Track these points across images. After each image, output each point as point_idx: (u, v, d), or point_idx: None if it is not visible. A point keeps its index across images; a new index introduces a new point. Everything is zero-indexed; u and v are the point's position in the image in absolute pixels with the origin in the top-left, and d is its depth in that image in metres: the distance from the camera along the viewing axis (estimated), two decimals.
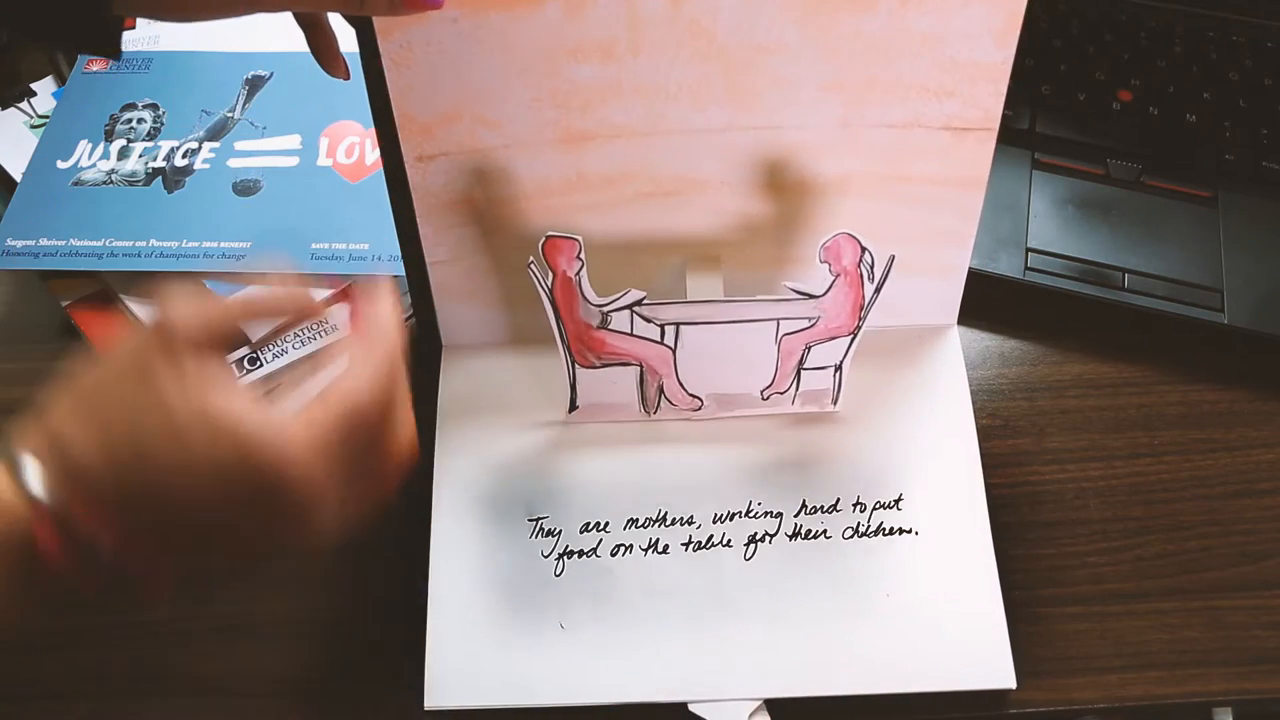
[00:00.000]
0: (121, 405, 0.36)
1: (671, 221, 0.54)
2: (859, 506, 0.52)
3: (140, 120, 0.65)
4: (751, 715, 0.48)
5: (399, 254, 0.55)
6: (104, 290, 0.60)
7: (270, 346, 0.56)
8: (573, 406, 0.54)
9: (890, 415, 0.55)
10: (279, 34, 0.67)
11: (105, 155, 0.63)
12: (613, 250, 0.54)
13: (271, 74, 0.66)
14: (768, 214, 0.54)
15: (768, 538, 0.52)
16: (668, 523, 0.52)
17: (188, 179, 0.62)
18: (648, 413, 0.55)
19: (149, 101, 0.66)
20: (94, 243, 0.59)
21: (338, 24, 0.51)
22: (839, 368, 0.53)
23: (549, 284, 0.50)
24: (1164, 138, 0.65)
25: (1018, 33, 0.48)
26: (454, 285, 0.55)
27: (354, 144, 0.63)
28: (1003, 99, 0.50)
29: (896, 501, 0.52)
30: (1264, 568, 0.53)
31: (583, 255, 0.49)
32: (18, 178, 0.64)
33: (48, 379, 0.61)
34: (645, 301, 0.51)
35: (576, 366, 0.53)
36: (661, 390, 0.54)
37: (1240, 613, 0.52)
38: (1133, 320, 0.59)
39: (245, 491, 0.35)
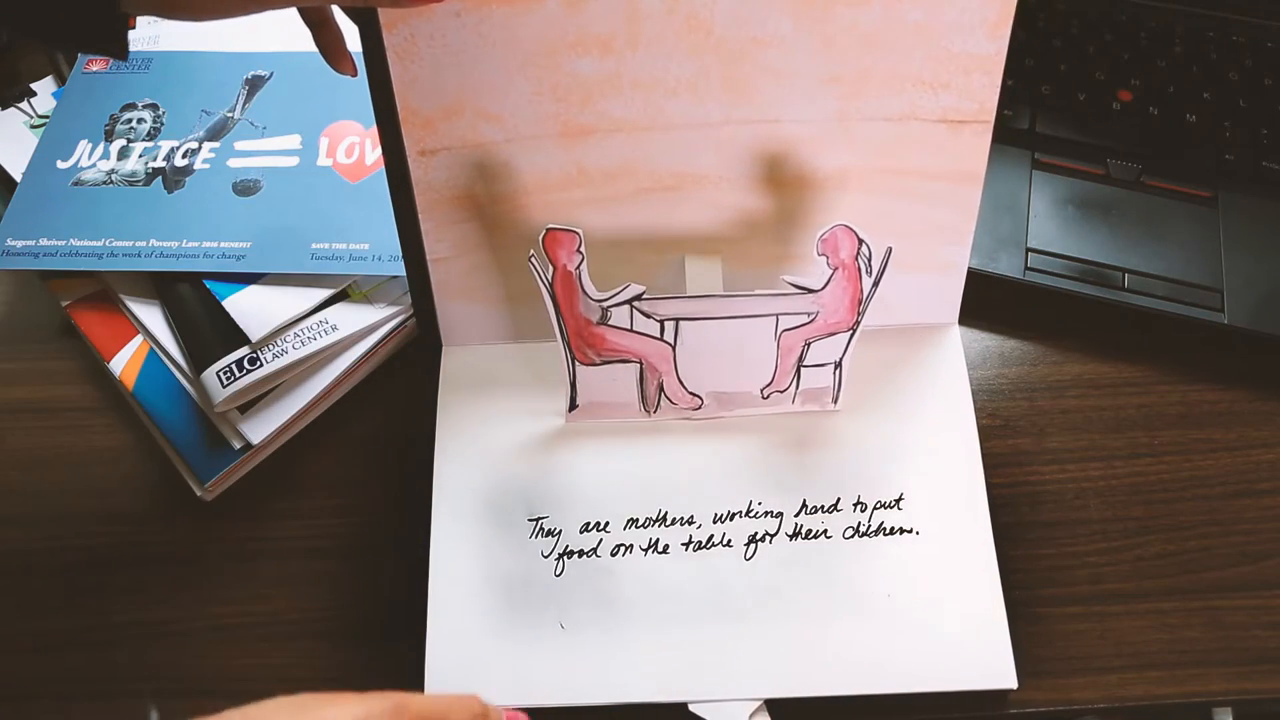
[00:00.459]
0: None
1: (671, 217, 0.54)
2: (859, 506, 0.52)
3: (140, 120, 0.65)
4: (752, 716, 0.48)
5: (399, 253, 0.55)
6: (104, 290, 0.60)
7: (270, 346, 0.56)
8: (572, 405, 0.54)
9: (891, 414, 0.55)
10: (279, 34, 0.67)
11: (105, 155, 0.63)
12: (613, 246, 0.54)
13: (271, 74, 0.66)
14: (766, 209, 0.54)
15: (768, 537, 0.52)
16: (668, 523, 0.52)
17: (188, 179, 0.62)
18: (648, 411, 0.55)
19: (149, 101, 0.66)
20: (94, 243, 0.59)
21: (342, 22, 0.51)
22: (839, 365, 0.53)
23: (549, 278, 0.50)
24: (1164, 138, 0.65)
25: (1010, 24, 0.48)
26: (455, 283, 0.55)
27: (354, 144, 0.63)
28: (998, 91, 0.50)
29: (897, 501, 0.52)
30: (1264, 568, 0.53)
31: (583, 249, 0.49)
32: (18, 178, 0.64)
33: (48, 379, 0.61)
34: (645, 296, 0.51)
35: (576, 364, 0.53)
36: (661, 388, 0.54)
37: (1240, 613, 0.52)
38: (1133, 320, 0.59)
39: None
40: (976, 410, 0.55)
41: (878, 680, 0.48)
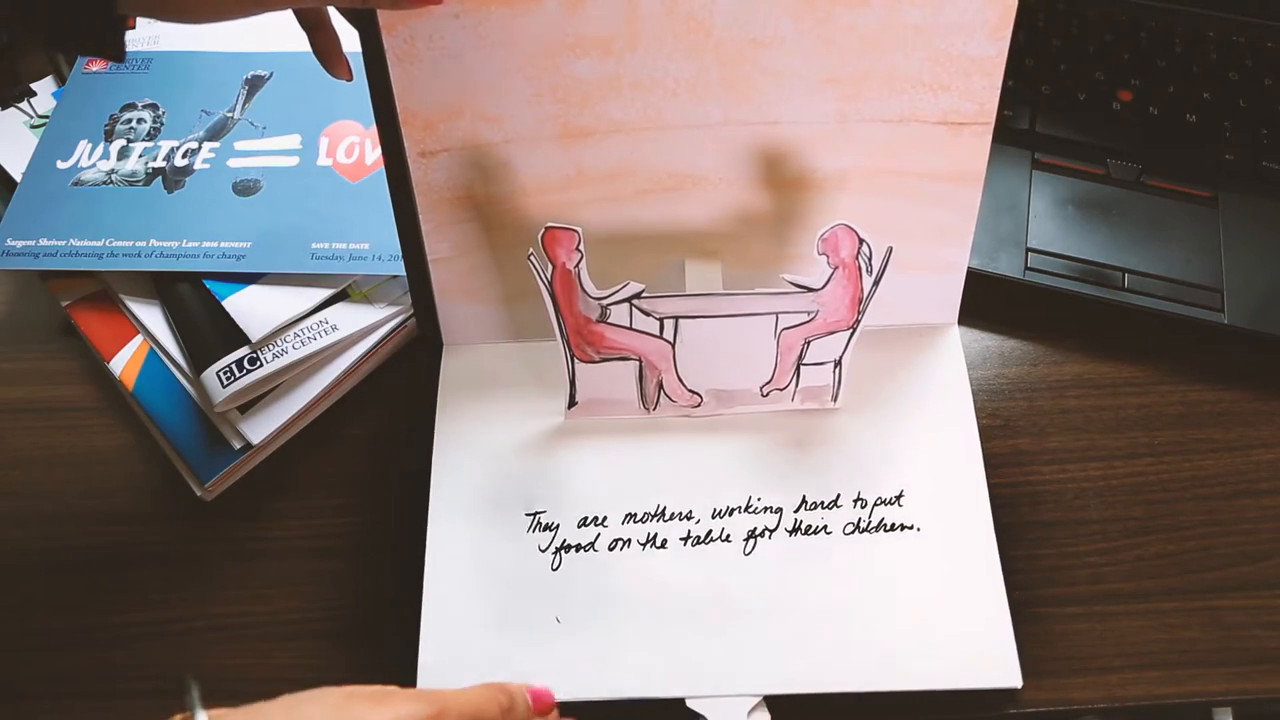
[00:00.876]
0: None
1: (670, 218, 0.54)
2: (860, 502, 0.52)
3: (140, 120, 0.65)
4: (750, 712, 0.47)
5: (399, 253, 0.55)
6: (104, 290, 0.60)
7: (270, 346, 0.56)
8: (572, 402, 0.54)
9: (891, 412, 0.55)
10: (278, 34, 0.67)
11: (105, 155, 0.63)
12: (612, 247, 0.54)
13: (271, 74, 0.66)
14: (766, 210, 0.54)
15: (767, 533, 0.52)
16: (666, 517, 0.52)
17: (188, 179, 0.62)
18: (647, 409, 0.55)
19: (149, 101, 0.66)
20: (94, 243, 0.59)
21: (339, 25, 0.51)
22: (838, 363, 0.53)
23: (548, 276, 0.50)
24: (1164, 138, 0.65)
25: (1010, 26, 0.48)
26: (454, 283, 0.55)
27: (354, 144, 0.63)
28: (998, 93, 0.50)
29: (898, 498, 0.52)
30: (1264, 568, 0.53)
31: (582, 247, 0.49)
32: (18, 178, 0.64)
33: (48, 379, 0.61)
34: (644, 294, 0.51)
35: (576, 361, 0.53)
36: (661, 386, 0.54)
37: (1240, 613, 0.52)
38: (1133, 320, 0.59)
39: None
40: (976, 410, 0.55)
41: (879, 677, 0.48)
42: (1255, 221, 0.61)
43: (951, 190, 0.53)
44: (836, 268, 0.50)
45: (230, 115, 0.65)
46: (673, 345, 0.53)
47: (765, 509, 0.52)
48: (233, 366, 0.55)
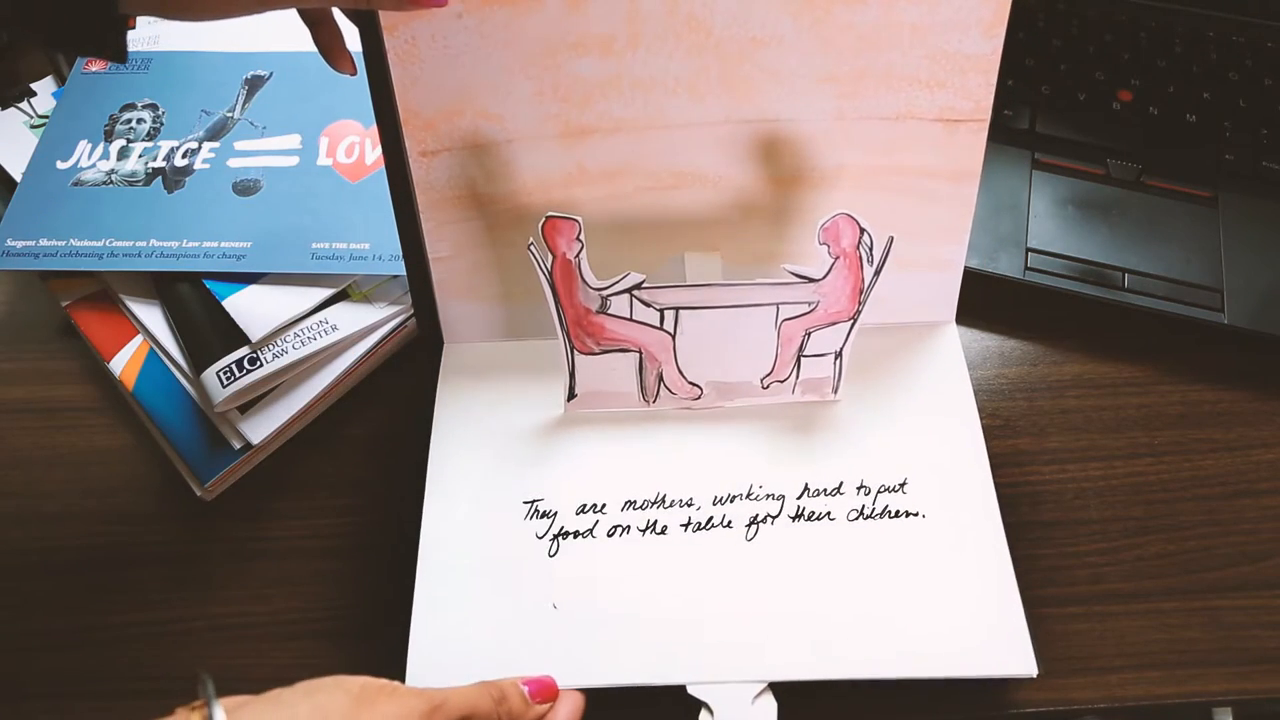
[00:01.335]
0: None
1: (671, 216, 0.54)
2: (863, 489, 0.52)
3: (140, 120, 0.65)
4: (755, 699, 0.47)
5: (399, 253, 0.55)
6: (104, 290, 0.60)
7: (270, 346, 0.56)
8: (571, 395, 0.54)
9: (892, 402, 0.55)
10: (278, 34, 0.67)
11: (105, 155, 0.63)
12: (613, 245, 0.54)
13: (271, 74, 0.66)
14: (765, 207, 0.54)
15: (770, 519, 0.51)
16: (666, 504, 0.52)
17: (188, 179, 0.62)
18: (647, 402, 0.55)
19: (149, 101, 0.66)
20: (94, 243, 0.59)
21: (341, 20, 0.51)
22: (839, 355, 0.53)
23: (548, 266, 0.50)
24: (1164, 138, 0.65)
25: (1005, 23, 0.49)
26: (455, 282, 0.55)
27: (354, 143, 0.63)
28: (993, 90, 0.51)
29: (901, 485, 0.52)
30: (1264, 568, 0.53)
31: (582, 237, 0.50)
32: (18, 178, 0.64)
33: (48, 379, 0.61)
34: (645, 285, 0.51)
35: (575, 353, 0.53)
36: (661, 378, 0.54)
37: (1240, 613, 0.52)
38: (1133, 320, 0.60)
39: None
40: (976, 407, 0.55)
41: (888, 665, 0.47)
42: (1255, 221, 0.61)
43: (948, 187, 0.53)
44: (837, 258, 0.50)
45: (230, 115, 0.65)
46: (673, 336, 0.53)
47: (767, 496, 0.52)
48: (233, 366, 0.55)
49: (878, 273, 0.51)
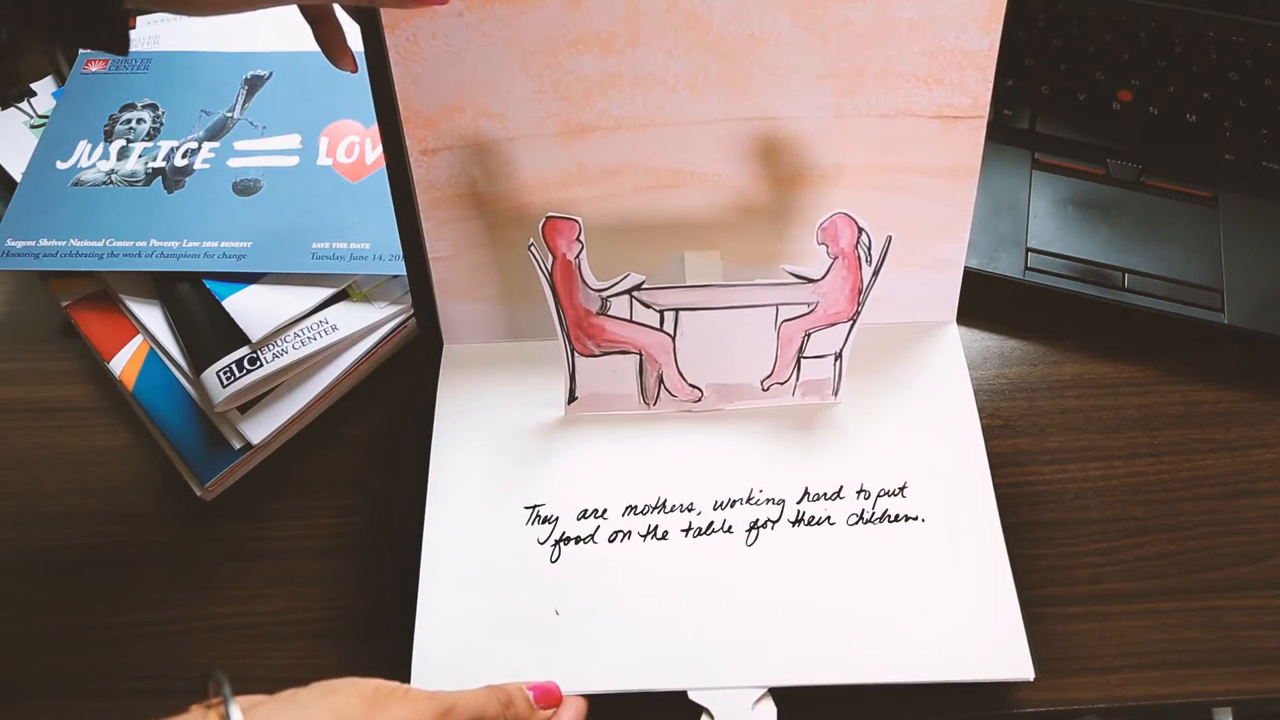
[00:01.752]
0: None
1: (670, 214, 0.54)
2: (863, 494, 0.52)
3: (140, 120, 0.65)
4: (755, 704, 0.47)
5: (399, 253, 0.55)
6: (104, 290, 0.60)
7: (270, 346, 0.56)
8: (571, 397, 0.54)
9: (892, 405, 0.55)
10: (278, 34, 0.67)
11: (105, 155, 0.63)
12: (613, 244, 0.54)
13: (271, 74, 0.66)
14: (765, 205, 0.54)
15: (770, 524, 0.51)
16: (667, 509, 0.52)
17: (188, 179, 0.62)
18: (647, 404, 0.55)
19: (148, 101, 0.66)
20: (94, 243, 0.59)
21: (342, 18, 0.51)
22: (839, 356, 0.53)
23: (549, 267, 0.50)
24: (1164, 138, 0.65)
25: (1001, 20, 0.49)
26: (455, 281, 0.55)
27: (354, 143, 0.63)
28: (991, 86, 0.51)
29: (901, 489, 0.52)
30: (1264, 568, 0.53)
31: (582, 237, 0.50)
32: (18, 178, 0.64)
33: (48, 379, 0.61)
34: (645, 286, 0.51)
35: (576, 355, 0.53)
36: (661, 380, 0.54)
37: (1240, 613, 0.52)
38: (1133, 320, 0.60)
39: None
40: (976, 409, 0.55)
41: (887, 669, 0.47)
42: (1255, 221, 0.61)
43: (947, 185, 0.53)
44: (836, 258, 0.50)
45: (230, 115, 0.65)
46: (673, 338, 0.53)
47: (767, 500, 0.52)
48: (233, 366, 0.55)
49: (876, 273, 0.51)
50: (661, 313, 0.52)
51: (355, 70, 0.51)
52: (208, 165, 0.62)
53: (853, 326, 0.52)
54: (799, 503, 0.52)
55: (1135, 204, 0.62)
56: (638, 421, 0.55)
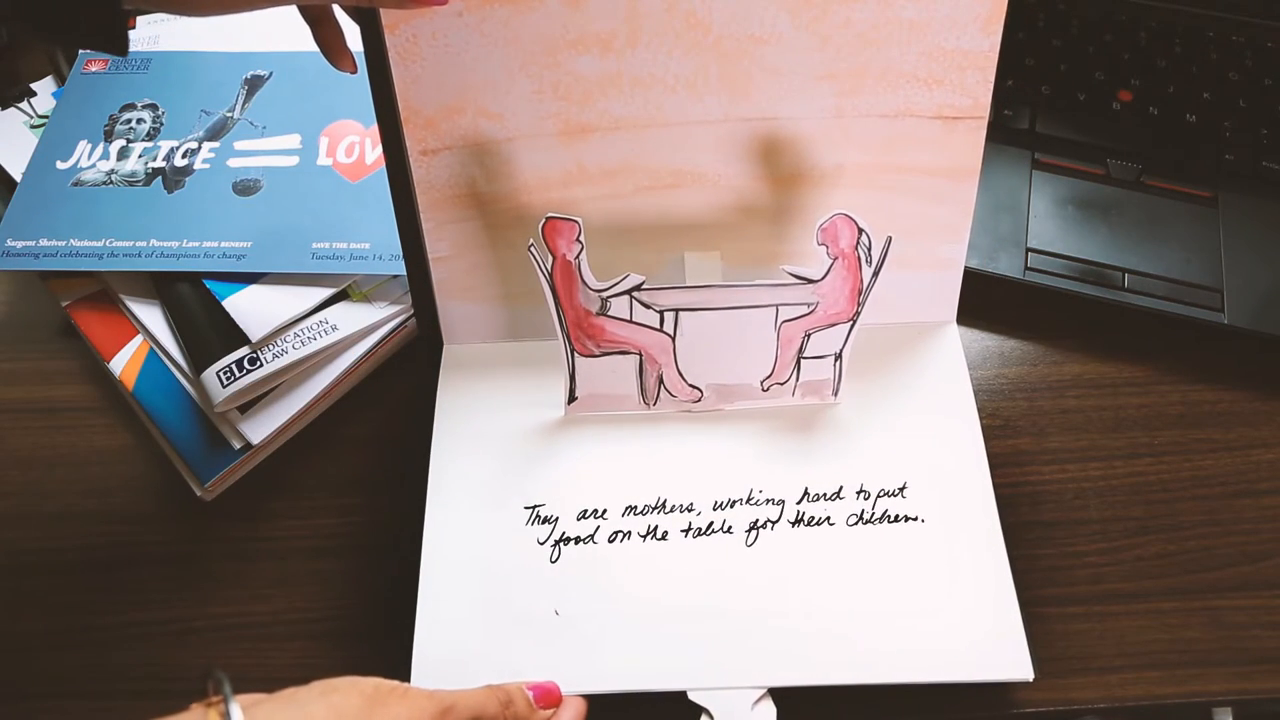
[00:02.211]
0: None
1: (670, 214, 0.54)
2: (863, 494, 0.52)
3: (140, 120, 0.65)
4: (755, 704, 0.47)
5: (399, 253, 0.55)
6: (104, 290, 0.60)
7: (270, 346, 0.56)
8: (571, 397, 0.54)
9: (892, 405, 0.55)
10: (278, 34, 0.67)
11: (105, 155, 0.63)
12: (613, 244, 0.54)
13: (271, 74, 0.66)
14: (765, 206, 0.54)
15: (770, 525, 0.51)
16: (667, 510, 0.52)
17: (188, 179, 0.62)
18: (647, 404, 0.55)
19: (148, 102, 0.66)
20: (94, 243, 0.59)
21: (342, 19, 0.51)
22: (839, 356, 0.53)
23: (549, 267, 0.50)
24: (1164, 138, 0.65)
25: (1002, 20, 0.49)
26: (455, 282, 0.55)
27: (354, 143, 0.63)
28: (991, 87, 0.51)
29: (901, 489, 0.52)
30: (1264, 568, 0.53)
31: (582, 238, 0.50)
32: (18, 178, 0.64)
33: (48, 379, 0.61)
34: (645, 286, 0.51)
35: (576, 355, 0.53)
36: (661, 381, 0.54)
37: (1240, 613, 0.52)
38: (1133, 320, 0.60)
39: None
40: (976, 410, 0.55)
41: (886, 670, 0.47)
42: (1255, 221, 0.61)
43: (948, 185, 0.53)
44: (836, 258, 0.50)
45: (230, 115, 0.65)
46: (673, 338, 0.53)
47: (767, 501, 0.52)
48: (233, 366, 0.55)
49: (876, 273, 0.51)
50: (661, 313, 0.52)
51: (354, 71, 0.51)
52: (208, 165, 0.62)
53: (853, 327, 0.52)
54: (799, 503, 0.52)
55: (1135, 204, 0.62)
56: (638, 422, 0.55)
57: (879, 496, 0.52)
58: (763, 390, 0.54)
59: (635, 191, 0.53)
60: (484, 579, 0.50)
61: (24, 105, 0.69)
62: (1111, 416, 0.58)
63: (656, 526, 0.51)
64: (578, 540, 0.51)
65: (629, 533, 0.51)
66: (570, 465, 0.53)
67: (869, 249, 0.50)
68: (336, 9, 0.50)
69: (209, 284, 0.58)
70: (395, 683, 0.38)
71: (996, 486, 0.52)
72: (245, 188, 0.61)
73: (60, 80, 0.69)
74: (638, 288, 0.51)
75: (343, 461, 0.58)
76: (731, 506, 0.52)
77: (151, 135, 0.64)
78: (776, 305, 0.52)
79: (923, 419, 0.54)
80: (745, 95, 0.51)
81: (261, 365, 0.55)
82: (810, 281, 0.51)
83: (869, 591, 0.49)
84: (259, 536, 0.55)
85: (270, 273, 0.58)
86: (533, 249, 0.50)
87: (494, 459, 0.53)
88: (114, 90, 0.66)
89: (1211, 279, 0.59)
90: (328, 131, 0.64)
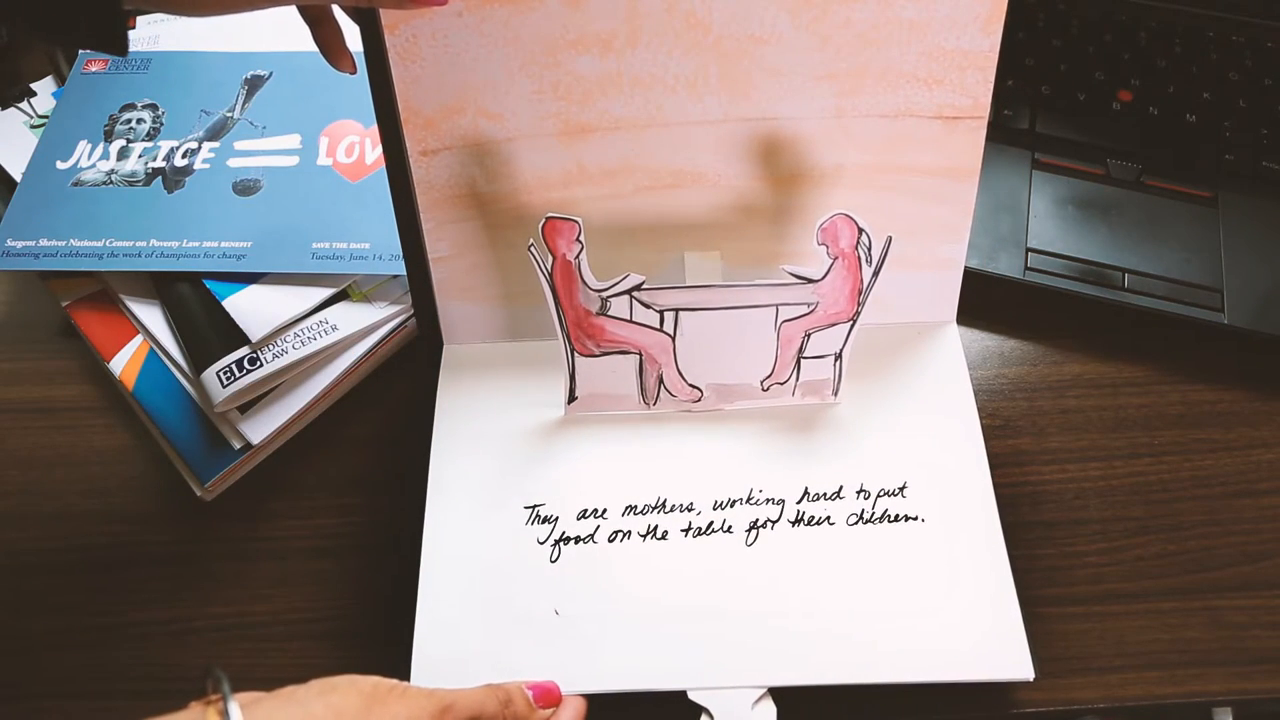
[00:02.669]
0: None
1: (670, 214, 0.54)
2: (863, 494, 0.52)
3: (140, 120, 0.65)
4: (755, 704, 0.47)
5: (399, 253, 0.55)
6: (104, 290, 0.60)
7: (270, 346, 0.56)
8: (571, 397, 0.54)
9: (892, 405, 0.55)
10: (278, 34, 0.67)
11: (105, 155, 0.63)
12: (613, 244, 0.54)
13: (271, 74, 0.66)
14: (765, 206, 0.54)
15: (770, 524, 0.51)
16: (667, 509, 0.52)
17: (188, 179, 0.62)
18: (647, 404, 0.55)
19: (148, 102, 0.66)
20: (94, 243, 0.59)
21: (341, 19, 0.51)
22: (839, 356, 0.53)
23: (548, 267, 0.50)
24: (1164, 138, 0.65)
25: (1002, 20, 0.49)
26: (455, 282, 0.55)
27: (354, 143, 0.63)
28: (991, 87, 0.51)
29: (901, 489, 0.52)
30: (1264, 568, 0.53)
31: (582, 238, 0.50)
32: (18, 178, 0.64)
33: (48, 379, 0.61)
34: (645, 286, 0.51)
35: (576, 355, 0.53)
36: (661, 381, 0.54)
37: (1240, 613, 0.52)
38: (1133, 320, 0.60)
39: None
40: (976, 410, 0.55)
41: (886, 669, 0.47)
42: (1255, 221, 0.61)
43: (948, 185, 0.53)
44: (836, 258, 0.50)
45: (230, 115, 0.65)
46: (673, 338, 0.53)
47: (767, 500, 0.52)
48: (233, 366, 0.55)
49: (876, 273, 0.51)
50: (661, 313, 0.52)
51: (354, 71, 0.51)
52: (208, 165, 0.62)
53: (853, 327, 0.52)
54: (799, 503, 0.52)
55: (1135, 204, 0.62)
56: (638, 421, 0.55)
57: (879, 496, 0.52)
58: (763, 390, 0.54)
59: (635, 191, 0.53)
60: (484, 579, 0.50)
61: (24, 105, 0.69)
62: (1111, 416, 0.58)
63: (656, 526, 0.51)
64: (578, 540, 0.51)
65: (629, 532, 0.51)
66: (570, 465, 0.53)
67: (869, 249, 0.50)
68: (336, 9, 0.50)
69: (209, 284, 0.58)
70: (394, 681, 0.38)
71: (996, 486, 0.52)
72: (245, 188, 0.61)
73: (60, 80, 0.69)
74: (638, 288, 0.51)
75: (343, 461, 0.58)
76: (731, 506, 0.52)
77: (151, 135, 0.64)
78: (776, 305, 0.52)
79: (923, 419, 0.54)
80: (745, 95, 0.51)
81: (261, 365, 0.55)
82: (810, 281, 0.51)
83: (869, 591, 0.49)
84: (259, 536, 0.55)
85: (270, 273, 0.58)
86: (533, 249, 0.50)
87: (494, 459, 0.53)
88: (114, 90, 0.66)
89: (1211, 279, 0.59)
90: (328, 131, 0.64)
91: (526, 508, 0.52)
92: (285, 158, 0.63)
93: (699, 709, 0.47)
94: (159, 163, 0.62)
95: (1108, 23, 0.70)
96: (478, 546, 0.51)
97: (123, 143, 0.64)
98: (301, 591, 0.54)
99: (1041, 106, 0.66)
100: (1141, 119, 0.65)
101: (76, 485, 0.57)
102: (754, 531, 0.51)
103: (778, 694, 0.47)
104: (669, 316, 0.52)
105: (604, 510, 0.52)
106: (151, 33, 0.69)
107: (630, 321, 0.52)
